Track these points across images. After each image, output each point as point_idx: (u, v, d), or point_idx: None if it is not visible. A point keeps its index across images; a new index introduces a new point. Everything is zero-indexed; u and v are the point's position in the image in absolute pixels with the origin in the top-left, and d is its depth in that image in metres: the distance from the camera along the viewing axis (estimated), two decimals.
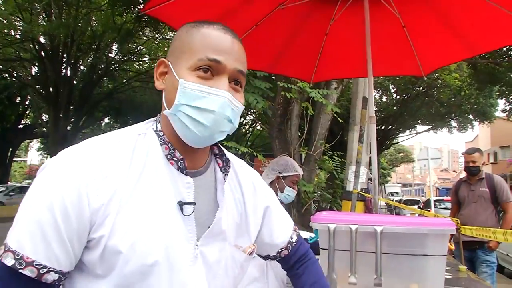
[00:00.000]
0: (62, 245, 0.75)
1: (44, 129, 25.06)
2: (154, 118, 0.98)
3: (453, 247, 4.01)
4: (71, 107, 23.34)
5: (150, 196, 0.84)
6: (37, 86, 22.17)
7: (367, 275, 1.55)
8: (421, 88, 21.44)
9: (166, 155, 0.89)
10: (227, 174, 1.00)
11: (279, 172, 2.62)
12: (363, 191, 5.82)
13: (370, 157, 6.64)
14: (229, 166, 1.02)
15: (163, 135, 0.92)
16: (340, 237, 1.57)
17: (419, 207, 16.72)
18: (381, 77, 20.67)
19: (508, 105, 21.82)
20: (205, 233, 0.91)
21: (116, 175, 0.82)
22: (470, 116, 25.31)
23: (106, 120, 34.21)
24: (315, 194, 8.52)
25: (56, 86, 21.21)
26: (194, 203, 0.89)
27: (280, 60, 3.40)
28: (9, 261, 0.72)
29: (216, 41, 0.88)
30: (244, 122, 36.39)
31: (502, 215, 4.43)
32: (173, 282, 0.84)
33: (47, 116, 24.11)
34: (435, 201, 17.90)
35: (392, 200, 24.31)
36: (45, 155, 35.79)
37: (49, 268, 0.74)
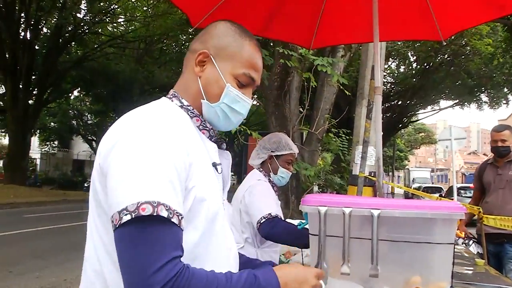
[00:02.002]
0: (182, 196, 1.04)
1: (1, 103, 24.86)
2: (169, 96, 1.27)
3: (462, 235, 4.03)
4: (33, 78, 23.15)
5: (201, 156, 1.15)
6: None
7: (362, 264, 1.60)
8: (445, 56, 21.37)
9: (198, 126, 1.23)
10: (223, 143, 1.33)
11: (272, 151, 2.66)
12: (372, 174, 5.85)
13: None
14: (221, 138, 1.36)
15: (192, 109, 1.24)
16: (332, 221, 1.62)
17: (440, 195, 16.86)
18: (399, 44, 20.63)
19: None
20: (225, 188, 1.31)
21: (188, 138, 1.13)
22: (505, 89, 25.21)
23: (76, 93, 34.01)
24: (319, 179, 8.58)
25: (13, 51, 20.99)
26: (220, 164, 1.26)
27: (274, 22, 3.40)
28: (164, 213, 0.95)
29: (256, 62, 1.26)
30: None
31: None
32: (223, 225, 1.20)
33: (3, 87, 23.90)
34: (459, 188, 17.99)
35: (409, 187, 24.37)
36: (3, 134, 35.60)
37: (182, 216, 1.01)
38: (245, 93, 1.25)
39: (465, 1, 3.09)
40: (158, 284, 0.90)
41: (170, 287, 0.91)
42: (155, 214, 0.93)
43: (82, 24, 23.80)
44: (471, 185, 21.61)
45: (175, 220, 0.97)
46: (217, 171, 1.23)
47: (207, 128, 1.25)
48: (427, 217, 1.58)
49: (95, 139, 38.37)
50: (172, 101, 1.24)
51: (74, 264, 7.30)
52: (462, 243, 4.08)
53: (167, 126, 1.07)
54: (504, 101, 27.18)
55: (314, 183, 7.96)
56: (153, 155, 1.00)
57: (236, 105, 1.23)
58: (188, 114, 1.23)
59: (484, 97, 27.76)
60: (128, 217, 0.93)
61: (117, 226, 0.95)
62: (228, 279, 1.02)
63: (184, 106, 1.23)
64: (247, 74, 1.23)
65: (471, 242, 4.23)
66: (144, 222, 0.93)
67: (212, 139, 1.26)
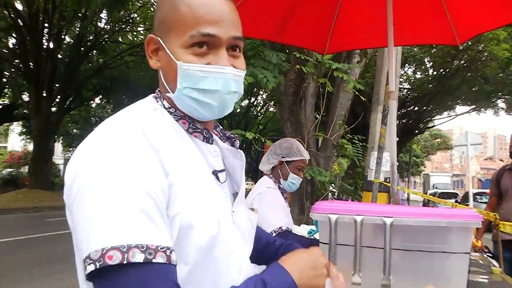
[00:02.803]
0: (165, 224, 0.82)
1: (26, 110, 25.27)
2: (153, 96, 1.06)
3: (479, 244, 3.95)
4: (56, 85, 23.46)
5: (190, 168, 0.93)
6: (15, 61, 22.26)
7: (374, 274, 1.53)
8: (462, 62, 21.05)
9: (187, 129, 1.00)
10: (236, 140, 1.14)
11: (282, 157, 2.61)
12: (387, 180, 5.76)
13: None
14: (233, 135, 1.16)
15: (175, 111, 1.00)
16: (343, 229, 1.55)
17: (456, 201, 16.56)
18: (415, 50, 20.44)
19: None
20: (236, 199, 1.08)
21: (165, 149, 0.89)
22: None
23: (97, 100, 34.46)
24: (333, 185, 8.49)
25: (37, 60, 21.33)
26: (224, 170, 1.05)
27: (287, 27, 3.34)
28: (138, 257, 0.74)
29: (205, 11, 0.93)
30: (255, 103, 36.26)
31: None
32: (229, 252, 0.96)
33: (27, 95, 24.27)
34: (475, 194, 17.68)
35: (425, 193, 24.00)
36: (28, 140, 36.16)
37: (170, 248, 0.80)
38: (211, 61, 0.94)
39: (482, 4, 2.99)
40: None
41: None
42: (125, 262, 0.73)
43: (102, 33, 24.09)
44: (487, 190, 21.26)
45: (159, 259, 0.76)
46: (218, 180, 1.01)
47: (199, 130, 1.01)
48: (441, 225, 1.50)
49: None
50: (157, 101, 1.03)
51: None
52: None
53: (137, 146, 0.85)
54: None
55: (329, 189, 7.87)
56: (119, 186, 0.78)
57: (203, 83, 0.93)
58: (172, 117, 1.00)
59: (500, 103, 27.37)
60: (92, 267, 0.73)
61: (85, 276, 0.77)
62: None
63: (166, 109, 1.01)
64: (196, 34, 0.92)
65: (485, 256, 4.14)
66: (115, 272, 0.74)
67: (210, 140, 1.03)
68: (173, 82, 0.95)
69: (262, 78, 5.70)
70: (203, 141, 1.02)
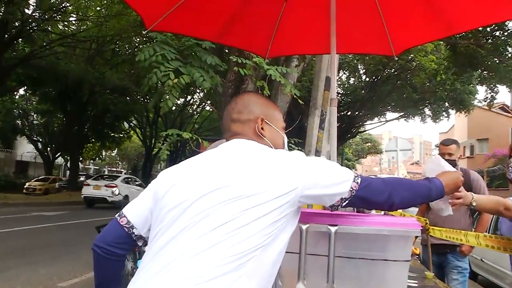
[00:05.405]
0: None
1: None
2: None
3: (417, 251, 4.10)
4: None
5: None
6: None
7: (318, 281, 1.56)
8: (393, 70, 21.93)
9: None
10: None
11: None
12: None
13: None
14: None
15: None
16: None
17: None
18: (350, 57, 21.06)
19: (490, 93, 22.13)
20: None
21: None
22: (446, 104, 26.09)
23: (21, 91, 32.71)
24: None
25: None
26: None
27: (232, 29, 3.33)
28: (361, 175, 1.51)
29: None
30: (191, 102, 35.86)
31: (477, 216, 4.57)
32: None
33: None
34: None
35: None
36: None
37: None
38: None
39: (416, 19, 3.14)
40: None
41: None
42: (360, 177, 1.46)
43: (30, 20, 22.83)
44: None
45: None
46: None
47: None
48: (384, 233, 1.55)
49: (41, 140, 36.90)
50: None
51: (13, 272, 6.88)
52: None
53: None
54: (445, 115, 28.17)
55: None
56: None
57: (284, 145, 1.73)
58: None
59: (427, 111, 28.69)
60: (359, 179, 1.42)
61: (356, 189, 1.41)
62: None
63: None
64: (284, 125, 1.72)
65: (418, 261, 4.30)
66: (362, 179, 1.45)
67: None
68: (279, 144, 1.65)
69: (199, 76, 5.68)
70: None
